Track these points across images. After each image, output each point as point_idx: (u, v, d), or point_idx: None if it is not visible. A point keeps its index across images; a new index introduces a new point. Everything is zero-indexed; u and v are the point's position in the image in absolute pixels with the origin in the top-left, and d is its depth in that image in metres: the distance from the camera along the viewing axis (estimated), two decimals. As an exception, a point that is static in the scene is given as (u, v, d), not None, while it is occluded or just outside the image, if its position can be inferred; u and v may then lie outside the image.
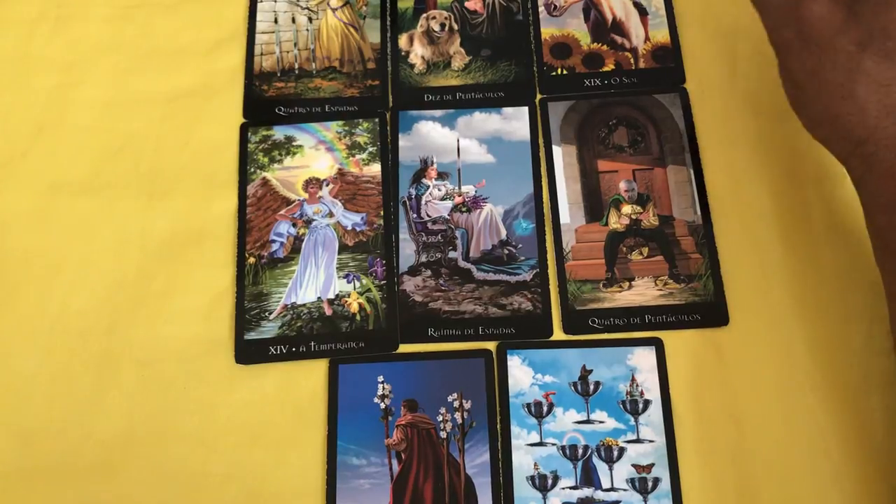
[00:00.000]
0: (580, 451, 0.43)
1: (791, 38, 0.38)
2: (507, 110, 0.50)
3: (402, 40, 0.53)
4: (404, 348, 0.45)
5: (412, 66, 0.52)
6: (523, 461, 0.42)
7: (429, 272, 0.47)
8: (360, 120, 0.51)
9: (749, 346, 0.44)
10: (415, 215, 0.48)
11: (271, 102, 0.51)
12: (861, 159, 0.37)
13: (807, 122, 0.39)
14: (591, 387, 0.44)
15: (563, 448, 0.43)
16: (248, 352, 0.45)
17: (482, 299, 0.46)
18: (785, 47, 0.39)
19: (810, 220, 0.46)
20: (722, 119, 0.49)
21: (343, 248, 0.47)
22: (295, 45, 0.53)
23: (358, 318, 0.46)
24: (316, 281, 0.47)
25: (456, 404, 0.43)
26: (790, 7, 0.38)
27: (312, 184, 0.49)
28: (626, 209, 0.48)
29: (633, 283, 0.46)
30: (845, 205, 0.46)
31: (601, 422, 0.43)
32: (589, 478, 0.42)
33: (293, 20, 0.54)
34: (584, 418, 0.43)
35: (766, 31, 0.40)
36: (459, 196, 0.49)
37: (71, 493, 0.43)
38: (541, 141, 0.50)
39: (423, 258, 0.47)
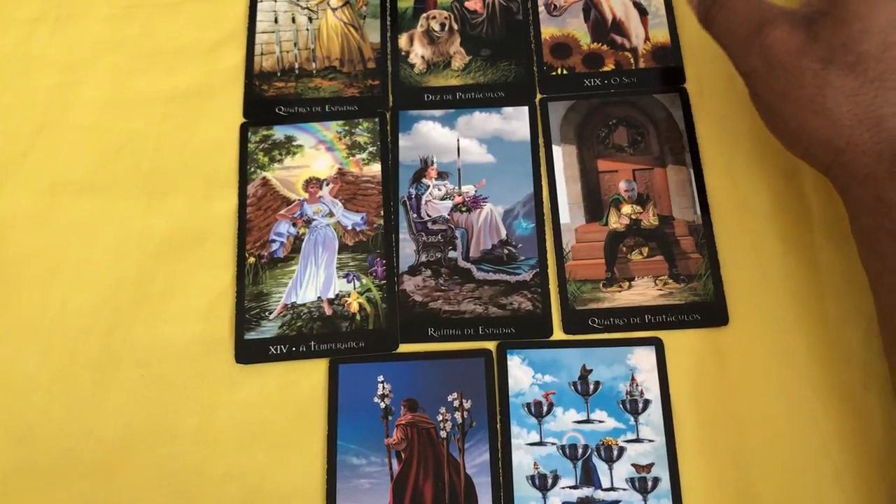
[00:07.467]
0: (580, 450, 0.43)
1: (757, 65, 0.39)
2: (507, 110, 0.50)
3: (402, 40, 0.53)
4: (404, 348, 0.45)
5: (412, 65, 0.52)
6: (523, 461, 0.42)
7: (429, 272, 0.47)
8: (361, 120, 0.51)
9: (749, 346, 0.44)
10: (415, 215, 0.48)
11: (271, 102, 0.51)
12: (842, 168, 0.38)
13: (785, 141, 0.41)
14: (591, 386, 0.44)
15: (563, 448, 0.43)
16: (248, 351, 0.45)
17: (482, 299, 0.46)
18: (752, 75, 0.40)
19: (810, 220, 0.46)
20: (722, 119, 0.49)
21: (343, 248, 0.47)
22: (295, 44, 0.53)
23: (358, 317, 0.46)
24: (316, 281, 0.47)
25: (456, 404, 0.43)
26: (752, 36, 0.39)
27: (312, 183, 0.49)
28: (626, 209, 0.48)
29: (633, 282, 0.46)
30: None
31: (601, 421, 0.43)
32: (589, 477, 0.42)
33: (293, 20, 0.54)
34: (584, 418, 0.43)
35: (731, 62, 0.41)
36: (459, 196, 0.49)
37: (71, 493, 0.43)
38: (541, 141, 0.50)
39: (423, 258, 0.47)
